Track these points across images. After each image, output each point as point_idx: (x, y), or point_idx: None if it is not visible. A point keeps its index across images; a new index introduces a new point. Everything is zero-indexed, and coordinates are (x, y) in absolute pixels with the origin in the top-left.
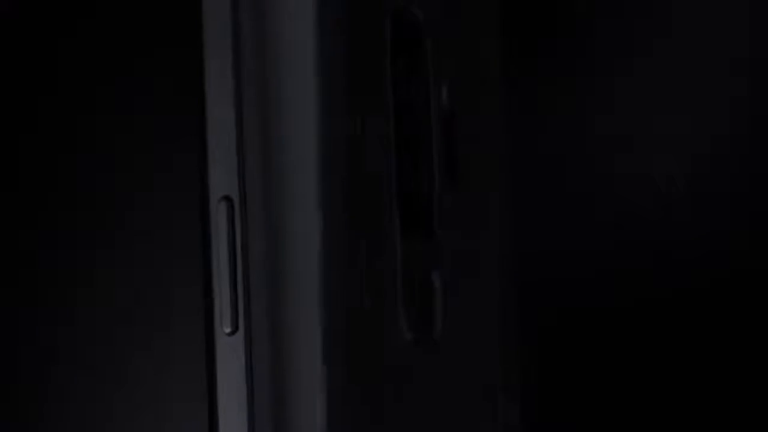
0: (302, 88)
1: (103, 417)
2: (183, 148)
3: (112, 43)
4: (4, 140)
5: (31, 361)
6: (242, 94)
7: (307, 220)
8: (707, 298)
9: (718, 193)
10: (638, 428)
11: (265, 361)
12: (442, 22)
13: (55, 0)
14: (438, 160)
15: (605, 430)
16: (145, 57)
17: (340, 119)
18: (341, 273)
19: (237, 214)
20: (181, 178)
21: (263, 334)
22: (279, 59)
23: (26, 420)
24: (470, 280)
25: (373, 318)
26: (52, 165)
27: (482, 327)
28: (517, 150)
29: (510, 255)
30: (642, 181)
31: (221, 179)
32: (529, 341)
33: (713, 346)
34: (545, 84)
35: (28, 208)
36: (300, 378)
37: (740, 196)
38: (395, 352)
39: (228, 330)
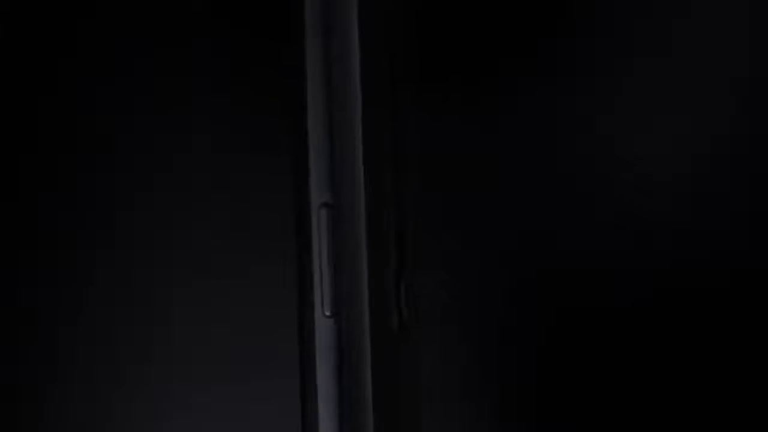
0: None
1: (200, 391)
2: (286, 161)
3: (214, 53)
4: (107, 140)
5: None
6: (333, 106)
7: None
8: (707, 298)
9: (718, 193)
10: (638, 427)
11: (356, 341)
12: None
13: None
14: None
15: (605, 429)
16: (247, 71)
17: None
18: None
19: (335, 218)
20: (285, 187)
21: (356, 318)
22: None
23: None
24: (470, 280)
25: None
26: (149, 166)
27: (482, 327)
28: (516, 150)
29: (510, 255)
30: (642, 181)
31: (321, 187)
32: (529, 341)
33: (713, 345)
34: (545, 84)
35: (114, 207)
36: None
37: (740, 196)
38: (391, 352)
39: (328, 313)
